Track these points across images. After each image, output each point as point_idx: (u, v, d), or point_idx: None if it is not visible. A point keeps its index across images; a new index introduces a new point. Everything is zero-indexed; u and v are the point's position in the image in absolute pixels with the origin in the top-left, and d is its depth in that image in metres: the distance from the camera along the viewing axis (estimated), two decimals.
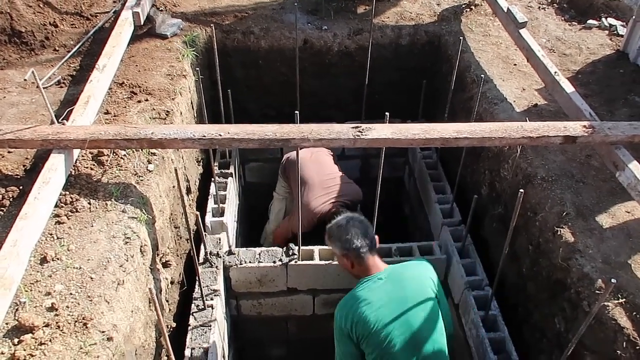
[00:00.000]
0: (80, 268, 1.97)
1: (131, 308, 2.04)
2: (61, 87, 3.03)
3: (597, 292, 2.16)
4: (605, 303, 2.11)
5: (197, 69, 3.01)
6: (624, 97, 3.21)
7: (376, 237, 2.56)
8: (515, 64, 3.58)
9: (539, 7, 4.21)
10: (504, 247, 2.40)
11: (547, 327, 2.51)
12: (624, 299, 2.12)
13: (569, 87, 2.93)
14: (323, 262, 2.99)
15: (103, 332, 1.81)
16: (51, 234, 2.08)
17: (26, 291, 1.87)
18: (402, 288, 2.40)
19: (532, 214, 2.67)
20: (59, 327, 1.77)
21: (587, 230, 2.41)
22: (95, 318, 1.82)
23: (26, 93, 2.92)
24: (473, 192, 3.05)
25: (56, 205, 2.19)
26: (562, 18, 4.08)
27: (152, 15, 3.56)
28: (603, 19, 3.98)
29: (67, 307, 1.84)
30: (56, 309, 1.82)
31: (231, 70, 4.02)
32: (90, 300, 1.87)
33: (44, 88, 2.93)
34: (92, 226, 2.14)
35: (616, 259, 2.27)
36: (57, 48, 3.37)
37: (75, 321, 1.80)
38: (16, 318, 1.76)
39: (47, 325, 1.77)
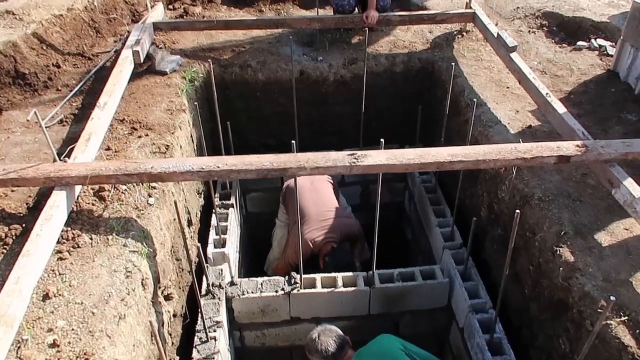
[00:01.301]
0: (81, 303, 1.99)
1: (133, 342, 2.04)
2: (64, 125, 3.10)
3: (599, 310, 2.15)
4: (608, 321, 2.10)
5: (196, 103, 3.08)
6: (616, 116, 3.25)
7: (346, 340, 2.66)
8: (508, 87, 3.64)
9: (529, 31, 4.30)
10: (505, 269, 2.40)
11: (552, 349, 2.49)
12: (627, 317, 2.10)
13: (561, 108, 2.98)
14: (326, 290, 2.99)
15: None
16: (53, 270, 2.10)
17: (28, 328, 1.88)
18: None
19: (531, 235, 2.68)
20: None
21: (586, 248, 2.41)
22: (96, 353, 1.83)
23: (29, 133, 2.99)
24: (472, 215, 3.07)
25: (58, 242, 2.22)
26: (553, 40, 4.17)
27: (152, 53, 3.67)
28: (592, 40, 4.06)
29: (69, 342, 1.85)
30: (58, 345, 1.83)
31: (230, 103, 4.10)
32: (92, 335, 1.88)
33: (47, 127, 3.00)
34: (93, 261, 2.17)
35: (617, 276, 2.27)
36: (59, 88, 3.46)
37: (77, 357, 1.81)
38: (18, 356, 1.77)
39: None
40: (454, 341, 3.14)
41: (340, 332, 2.69)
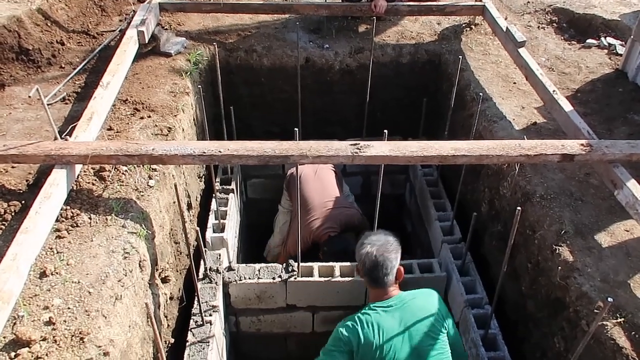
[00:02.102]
0: (78, 282, 1.99)
1: (129, 323, 2.04)
2: (66, 103, 3.09)
3: (595, 311, 2.15)
4: (604, 322, 2.10)
5: (200, 86, 3.05)
6: (623, 116, 3.23)
7: (399, 269, 2.54)
8: (514, 83, 3.61)
9: (539, 27, 4.26)
10: (503, 265, 2.40)
11: (547, 347, 2.50)
12: (623, 319, 2.10)
13: (567, 106, 2.95)
14: (322, 279, 2.99)
15: (99, 346, 1.81)
16: (51, 248, 2.10)
17: (24, 305, 1.88)
18: (411, 317, 2.42)
19: (531, 232, 2.67)
20: (55, 341, 1.78)
21: (585, 248, 2.41)
22: (92, 332, 1.83)
23: (31, 109, 2.97)
24: (473, 210, 3.06)
25: (57, 220, 2.21)
26: (562, 37, 4.12)
27: (157, 34, 3.64)
28: (602, 38, 4.02)
29: (65, 321, 1.85)
30: (53, 323, 1.83)
31: (234, 88, 4.07)
32: (88, 315, 1.88)
33: (49, 104, 2.99)
34: (91, 241, 2.16)
35: (615, 277, 2.26)
36: (63, 65, 3.44)
37: (72, 335, 1.81)
38: (14, 332, 1.77)
39: (44, 340, 1.78)
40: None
41: (393, 263, 2.49)
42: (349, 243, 3.43)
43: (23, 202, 2.27)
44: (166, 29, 3.90)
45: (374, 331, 2.40)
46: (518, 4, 4.60)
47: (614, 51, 3.88)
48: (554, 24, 4.29)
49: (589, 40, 4.01)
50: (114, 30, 3.84)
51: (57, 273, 2.01)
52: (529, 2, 4.59)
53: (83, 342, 1.79)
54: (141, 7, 3.81)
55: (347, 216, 3.44)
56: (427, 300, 2.52)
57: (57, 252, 2.09)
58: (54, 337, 1.79)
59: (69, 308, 1.90)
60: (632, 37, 3.53)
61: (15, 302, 1.85)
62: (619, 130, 3.10)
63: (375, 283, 2.50)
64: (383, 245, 2.52)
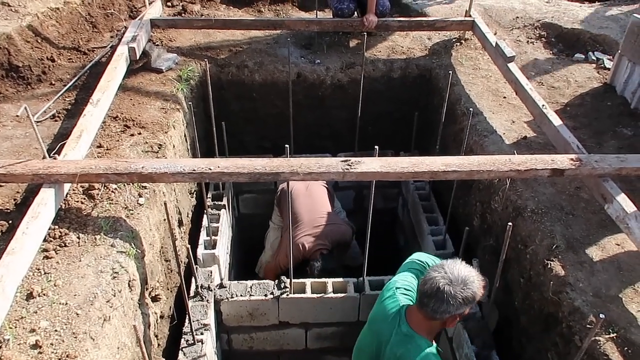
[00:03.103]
0: (66, 304, 1.96)
1: (117, 345, 2.01)
2: (56, 120, 3.07)
3: (588, 326, 2.14)
4: (597, 338, 2.09)
5: (191, 102, 3.05)
6: (612, 130, 3.25)
7: (455, 318, 2.10)
8: (504, 97, 3.64)
9: (528, 41, 4.30)
10: (495, 280, 2.39)
11: None
12: (616, 334, 2.10)
13: (556, 120, 2.97)
14: (315, 295, 2.97)
15: None
16: (38, 269, 2.07)
17: (10, 328, 1.85)
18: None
19: (523, 247, 2.67)
20: None
21: (577, 263, 2.41)
22: (79, 356, 1.80)
23: (20, 127, 2.95)
24: (465, 224, 3.06)
25: (45, 240, 2.18)
26: (551, 52, 4.17)
27: (148, 50, 3.64)
28: (590, 53, 4.07)
29: (52, 344, 1.82)
30: (40, 347, 1.80)
31: (226, 104, 4.07)
32: (75, 337, 1.85)
33: (38, 122, 2.98)
34: (80, 261, 2.13)
35: (607, 292, 2.26)
36: (53, 82, 3.42)
37: (59, 359, 1.78)
38: None
39: None
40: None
41: (449, 297, 1.97)
42: (338, 261, 3.43)
43: (10, 222, 2.24)
44: (157, 45, 3.90)
45: (380, 302, 2.27)
46: (507, 19, 4.65)
47: (602, 65, 3.92)
48: (543, 38, 4.33)
49: (577, 55, 4.06)
50: (105, 47, 3.84)
51: (44, 294, 1.97)
52: (517, 17, 4.64)
53: None
54: (132, 23, 3.82)
55: (338, 233, 3.43)
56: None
57: (45, 273, 2.06)
58: None
59: (56, 330, 1.86)
60: (619, 51, 3.58)
61: (1, 324, 1.82)
62: (608, 144, 3.12)
63: (421, 307, 2.07)
64: (457, 284, 2.00)
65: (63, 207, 2.36)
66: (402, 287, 2.32)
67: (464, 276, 2.01)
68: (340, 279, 3.05)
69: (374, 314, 2.35)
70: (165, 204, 2.18)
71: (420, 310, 2.08)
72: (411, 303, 2.22)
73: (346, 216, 3.89)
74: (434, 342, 2.15)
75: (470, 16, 4.18)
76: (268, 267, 3.61)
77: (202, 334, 2.67)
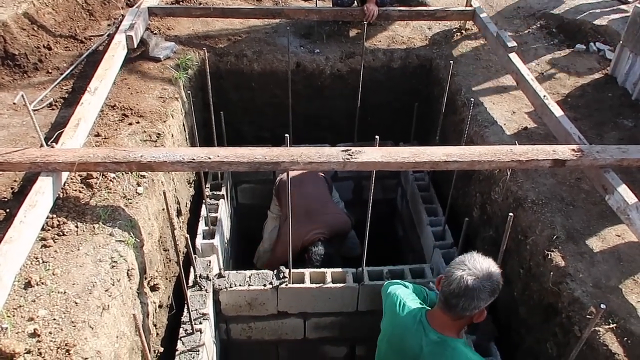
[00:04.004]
0: (64, 293, 1.94)
1: (116, 333, 2.00)
2: (53, 109, 3.04)
3: (588, 317, 2.14)
4: (597, 328, 2.09)
5: (189, 91, 3.02)
6: (612, 121, 3.24)
7: (483, 311, 2.05)
8: (505, 88, 3.62)
9: (529, 32, 4.27)
10: None
11: (540, 352, 2.49)
12: (615, 324, 2.10)
13: (557, 111, 2.96)
14: (314, 285, 2.97)
15: (86, 358, 1.77)
16: (36, 258, 2.06)
17: (8, 316, 1.83)
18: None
19: (523, 237, 2.66)
20: (40, 353, 1.74)
21: (577, 254, 2.40)
22: (78, 344, 1.79)
23: (17, 115, 2.92)
24: (465, 215, 3.05)
25: (43, 229, 2.17)
26: (552, 42, 4.14)
27: (146, 39, 3.60)
28: (591, 44, 4.04)
29: (50, 333, 1.81)
30: (38, 335, 1.79)
31: (224, 93, 4.04)
32: (74, 326, 1.84)
33: (35, 110, 2.95)
34: (78, 250, 2.12)
35: (607, 283, 2.26)
36: (50, 70, 3.38)
37: (58, 348, 1.77)
38: None
39: (28, 352, 1.74)
40: None
41: (475, 295, 1.93)
42: (337, 249, 3.42)
43: (8, 210, 2.22)
44: (155, 34, 3.86)
45: (393, 321, 2.20)
46: (508, 9, 4.62)
47: (603, 56, 3.90)
48: (544, 29, 4.30)
49: (579, 46, 4.03)
50: (102, 35, 3.80)
51: (42, 283, 1.96)
52: (519, 7, 4.61)
53: (69, 354, 1.75)
54: (130, 11, 3.78)
55: (336, 222, 3.43)
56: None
57: (43, 262, 2.04)
58: (39, 349, 1.75)
59: (54, 319, 1.85)
60: (621, 42, 3.55)
61: None
62: (609, 135, 3.11)
63: (448, 309, 2.01)
64: (484, 278, 1.96)
65: (61, 196, 2.34)
66: (403, 295, 2.29)
67: (486, 268, 1.97)
68: (339, 269, 3.05)
69: (391, 331, 2.22)
70: (164, 193, 2.17)
71: (447, 313, 2.01)
72: (424, 306, 2.17)
73: (344, 207, 3.88)
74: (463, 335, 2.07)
75: (471, 6, 4.15)
76: (266, 257, 3.61)
77: (200, 323, 2.67)
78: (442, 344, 2.05)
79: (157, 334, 2.59)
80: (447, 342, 2.04)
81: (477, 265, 1.97)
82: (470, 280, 1.92)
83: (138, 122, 2.93)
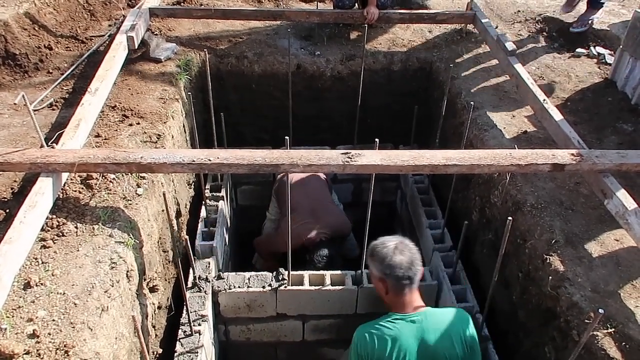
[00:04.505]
0: (64, 294, 1.95)
1: (115, 335, 2.00)
2: (53, 109, 3.04)
3: (586, 321, 2.15)
4: (595, 333, 2.10)
5: (190, 92, 3.03)
6: (612, 125, 3.25)
7: (421, 270, 2.35)
8: (505, 91, 3.62)
9: (529, 36, 4.28)
10: (494, 274, 2.39)
11: (538, 356, 2.49)
12: (614, 329, 2.10)
13: (557, 115, 2.96)
14: (313, 287, 2.96)
15: (85, 359, 1.77)
16: (36, 259, 2.06)
17: (7, 317, 1.83)
18: (433, 338, 2.21)
19: (522, 241, 2.67)
20: (39, 354, 1.74)
21: (576, 258, 2.41)
22: (77, 345, 1.79)
23: (18, 115, 2.92)
24: (464, 218, 3.06)
25: (42, 229, 2.17)
26: (552, 46, 4.15)
27: (147, 40, 3.60)
28: (591, 48, 4.05)
29: (49, 334, 1.81)
30: (38, 336, 1.79)
31: (225, 94, 4.05)
32: (73, 327, 1.84)
33: (36, 111, 2.96)
34: (78, 251, 2.12)
35: (605, 287, 2.27)
36: (50, 70, 3.39)
37: (57, 349, 1.77)
38: None
39: (27, 353, 1.74)
40: None
41: (418, 262, 2.28)
42: (338, 250, 3.43)
43: (7, 210, 2.22)
44: (156, 35, 3.86)
45: (390, 348, 2.18)
46: (508, 12, 4.63)
47: (603, 60, 3.91)
48: (544, 32, 4.31)
49: (579, 50, 4.04)
50: (103, 36, 3.81)
51: (41, 284, 1.96)
52: (519, 11, 4.62)
53: (68, 355, 1.75)
54: (131, 12, 3.78)
55: (337, 222, 3.43)
56: (454, 322, 2.26)
57: (42, 263, 2.04)
58: (37, 350, 1.75)
59: (53, 320, 1.85)
60: (621, 46, 3.56)
61: None
62: (609, 140, 3.12)
63: (410, 283, 2.22)
64: (403, 242, 2.30)
65: (61, 197, 2.34)
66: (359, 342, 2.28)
67: (398, 237, 2.36)
68: (338, 272, 3.05)
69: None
70: (163, 194, 2.17)
71: (411, 289, 2.26)
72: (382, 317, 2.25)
73: (343, 209, 3.88)
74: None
75: (471, 9, 4.16)
76: (263, 246, 3.60)
77: (199, 325, 2.67)
78: (428, 322, 2.17)
79: (156, 335, 2.59)
80: (431, 316, 2.21)
81: (388, 238, 2.33)
82: (403, 247, 2.27)
83: (138, 123, 2.93)
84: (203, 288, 2.85)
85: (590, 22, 4.13)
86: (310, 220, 3.33)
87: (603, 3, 4.13)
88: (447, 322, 2.25)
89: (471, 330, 2.29)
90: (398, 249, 2.33)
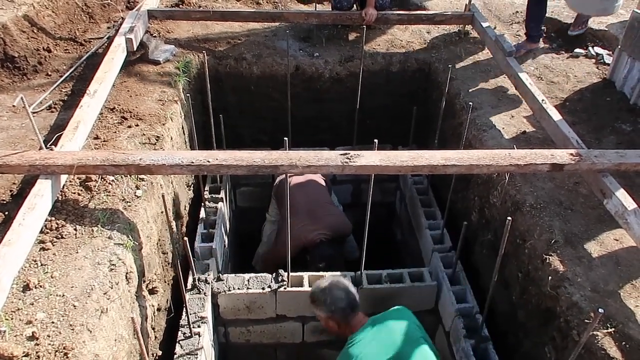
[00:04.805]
0: (63, 296, 1.94)
1: (114, 337, 2.00)
2: (52, 112, 3.04)
3: (586, 321, 2.14)
4: (595, 332, 2.10)
5: (189, 94, 3.03)
6: (611, 125, 3.25)
7: (356, 292, 2.58)
8: (504, 92, 3.63)
9: None
10: (493, 275, 2.39)
11: (538, 356, 2.49)
12: (613, 328, 2.10)
13: (556, 115, 2.97)
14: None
15: None
16: (35, 261, 2.05)
17: (6, 319, 1.83)
18: (391, 335, 2.39)
19: (521, 241, 2.67)
20: (38, 357, 1.73)
21: (575, 258, 2.41)
22: (76, 348, 1.79)
23: (16, 118, 2.92)
24: (463, 218, 3.06)
25: (41, 231, 2.16)
26: (550, 46, 4.15)
27: (145, 42, 3.60)
28: (590, 48, 4.05)
29: (48, 336, 1.81)
30: (37, 338, 1.78)
31: (223, 96, 4.05)
32: (72, 329, 1.84)
33: (35, 113, 2.95)
34: (77, 252, 2.12)
35: (605, 287, 2.27)
36: (49, 73, 3.39)
37: (56, 351, 1.76)
38: None
39: (26, 355, 1.73)
40: (440, 345, 3.13)
41: (352, 290, 2.53)
42: (339, 251, 3.43)
43: (6, 213, 2.22)
44: (155, 37, 3.87)
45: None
46: (506, 13, 4.64)
47: (602, 61, 3.91)
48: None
49: (577, 50, 4.04)
50: (101, 38, 3.81)
51: (40, 286, 1.96)
52: (517, 11, 4.63)
53: (67, 357, 1.75)
54: (130, 14, 3.78)
55: (337, 223, 3.43)
56: (401, 317, 2.50)
57: (41, 265, 2.04)
58: (37, 352, 1.74)
59: (52, 322, 1.85)
60: (619, 47, 3.57)
61: None
62: (607, 140, 3.12)
63: (354, 309, 2.50)
64: (333, 278, 2.62)
65: (60, 199, 2.33)
66: None
67: (329, 275, 2.70)
68: (338, 273, 3.05)
69: None
70: (163, 196, 2.17)
71: (353, 317, 2.47)
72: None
73: (342, 210, 3.88)
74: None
75: (469, 10, 4.16)
76: (265, 258, 3.61)
77: (199, 326, 2.66)
78: (381, 331, 2.41)
79: (156, 337, 2.58)
80: (378, 318, 2.45)
81: (323, 280, 2.60)
82: (338, 282, 2.53)
83: (137, 125, 2.93)
84: (202, 290, 2.85)
85: (585, 22, 4.10)
86: (309, 222, 3.33)
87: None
88: (395, 319, 2.48)
89: (416, 320, 2.52)
90: (331, 285, 2.53)
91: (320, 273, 3.04)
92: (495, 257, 2.29)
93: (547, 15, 4.45)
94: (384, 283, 3.03)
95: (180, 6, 4.35)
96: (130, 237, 2.29)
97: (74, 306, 1.91)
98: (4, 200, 2.32)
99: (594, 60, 3.95)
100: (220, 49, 4.01)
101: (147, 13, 3.87)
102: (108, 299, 2.01)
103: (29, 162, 2.23)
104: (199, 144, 3.37)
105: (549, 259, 2.44)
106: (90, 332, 1.86)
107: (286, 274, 2.94)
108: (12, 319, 1.84)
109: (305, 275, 3.02)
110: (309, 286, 2.96)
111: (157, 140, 2.88)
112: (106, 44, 3.67)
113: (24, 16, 3.47)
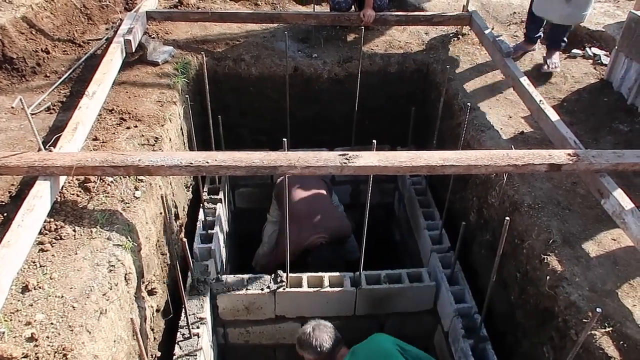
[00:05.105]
0: (62, 297, 1.94)
1: (114, 338, 2.00)
2: (51, 113, 3.04)
3: (584, 320, 2.15)
4: (593, 332, 2.10)
5: (187, 95, 3.03)
6: (608, 125, 3.26)
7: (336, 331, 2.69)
8: (501, 92, 3.63)
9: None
10: (492, 275, 2.40)
11: (536, 356, 2.49)
12: (611, 328, 2.11)
13: (554, 116, 2.98)
14: (311, 290, 2.97)
15: None
16: (34, 262, 2.06)
17: (6, 321, 1.83)
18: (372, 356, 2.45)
19: (520, 241, 2.67)
20: (38, 358, 1.74)
21: (573, 257, 2.41)
22: (75, 349, 1.79)
23: (15, 119, 2.92)
24: (462, 219, 3.07)
25: (40, 233, 2.17)
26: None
27: (144, 43, 3.61)
28: (587, 49, 4.07)
29: (47, 337, 1.81)
30: (36, 339, 1.79)
31: (222, 97, 4.05)
32: (71, 330, 1.84)
33: (33, 114, 2.95)
34: (76, 254, 2.12)
35: (603, 287, 2.27)
36: (48, 74, 3.39)
37: (55, 352, 1.77)
38: None
39: (26, 356, 1.73)
40: (439, 345, 3.14)
41: (334, 329, 2.67)
42: (339, 253, 3.43)
43: (5, 214, 2.22)
44: (153, 38, 3.87)
45: None
46: (504, 14, 4.65)
47: (599, 61, 3.92)
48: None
49: (575, 51, 4.06)
50: (100, 39, 3.81)
51: (39, 287, 1.96)
52: (515, 12, 4.64)
53: (66, 358, 1.75)
54: (128, 15, 3.79)
55: (337, 225, 3.44)
56: (380, 340, 2.55)
57: (40, 266, 2.04)
58: (36, 353, 1.74)
59: (52, 323, 1.85)
60: (616, 47, 3.58)
61: None
62: (605, 140, 3.13)
63: (338, 344, 2.62)
64: (314, 321, 2.70)
65: (59, 200, 2.34)
66: None
67: (310, 324, 2.69)
68: (337, 273, 3.05)
69: None
70: (161, 197, 2.17)
71: (337, 348, 2.59)
72: None
73: (343, 210, 3.89)
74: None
75: (467, 11, 4.17)
76: (266, 259, 3.61)
77: (198, 327, 2.67)
78: (365, 343, 2.53)
79: (155, 338, 2.58)
80: (357, 347, 2.53)
81: (305, 330, 2.66)
82: (318, 327, 2.64)
83: (136, 126, 2.94)
84: (201, 291, 2.85)
85: (555, 63, 3.78)
86: (310, 225, 3.34)
87: (564, 43, 3.85)
88: (376, 343, 2.54)
89: (396, 340, 2.56)
90: (315, 329, 2.63)
91: (319, 274, 3.05)
92: (494, 257, 2.29)
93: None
94: (383, 283, 3.03)
95: (179, 7, 4.36)
96: (129, 238, 2.30)
97: (73, 307, 1.91)
98: (2, 201, 2.32)
99: (591, 61, 3.96)
100: (218, 50, 4.01)
101: (146, 14, 3.88)
102: (107, 300, 2.02)
103: (27, 164, 2.23)
104: (198, 144, 3.36)
105: (547, 258, 2.44)
106: (90, 333, 1.86)
107: (285, 274, 2.94)
108: (11, 320, 1.84)
109: (304, 276, 3.02)
110: (308, 287, 2.97)
111: (155, 141, 2.89)
112: (105, 46, 3.68)
113: (23, 18, 3.47)
